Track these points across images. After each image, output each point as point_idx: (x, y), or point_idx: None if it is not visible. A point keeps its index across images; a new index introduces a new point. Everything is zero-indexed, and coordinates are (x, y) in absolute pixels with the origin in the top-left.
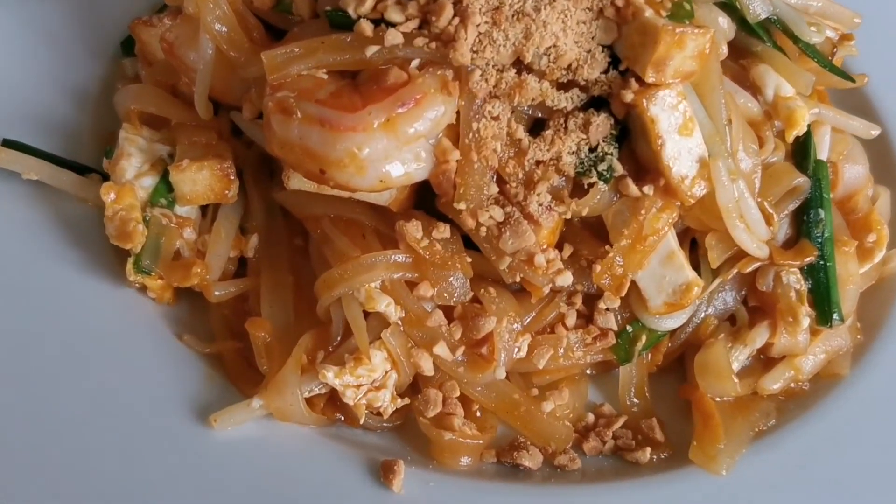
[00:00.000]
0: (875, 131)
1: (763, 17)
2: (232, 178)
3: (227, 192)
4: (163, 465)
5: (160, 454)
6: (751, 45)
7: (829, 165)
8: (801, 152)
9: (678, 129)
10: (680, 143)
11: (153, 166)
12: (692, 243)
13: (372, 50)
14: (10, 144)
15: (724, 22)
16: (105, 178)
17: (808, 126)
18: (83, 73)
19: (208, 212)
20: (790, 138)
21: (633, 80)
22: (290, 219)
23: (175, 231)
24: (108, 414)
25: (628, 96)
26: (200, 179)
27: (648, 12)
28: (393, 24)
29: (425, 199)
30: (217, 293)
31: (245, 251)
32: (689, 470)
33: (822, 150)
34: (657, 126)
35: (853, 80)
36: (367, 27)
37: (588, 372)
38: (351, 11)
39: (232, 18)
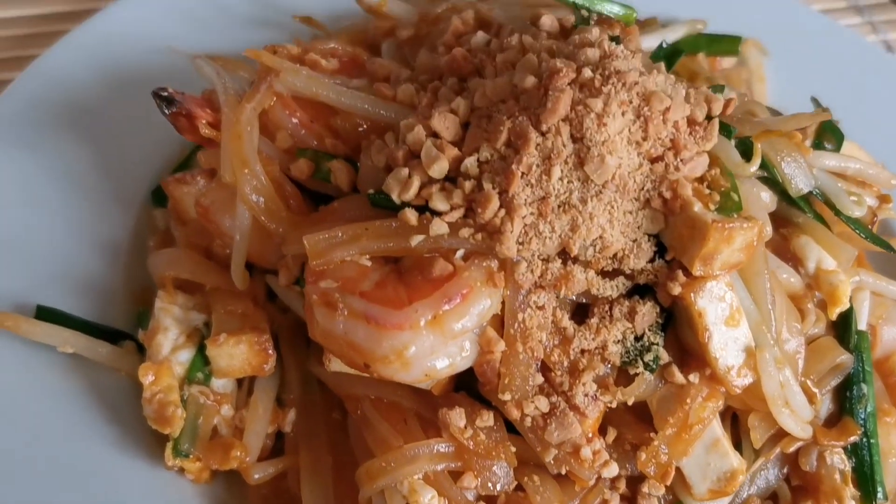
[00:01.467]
0: None
1: (805, 191)
2: (270, 352)
3: (264, 366)
4: None
5: None
6: (792, 215)
7: (868, 328)
8: (842, 325)
9: (725, 320)
10: (727, 334)
11: (189, 337)
12: (733, 417)
13: (417, 239)
14: (43, 313)
15: (767, 196)
16: (139, 346)
17: (852, 307)
18: (112, 225)
19: (244, 383)
20: (833, 315)
21: (679, 272)
22: (327, 391)
23: (213, 409)
24: None
25: (676, 289)
26: (237, 354)
27: (697, 206)
28: (437, 212)
29: (466, 380)
30: (256, 476)
31: (282, 426)
32: None
33: (862, 316)
34: (705, 319)
35: (894, 250)
36: (412, 216)
37: None
38: (394, 197)
39: (269, 188)
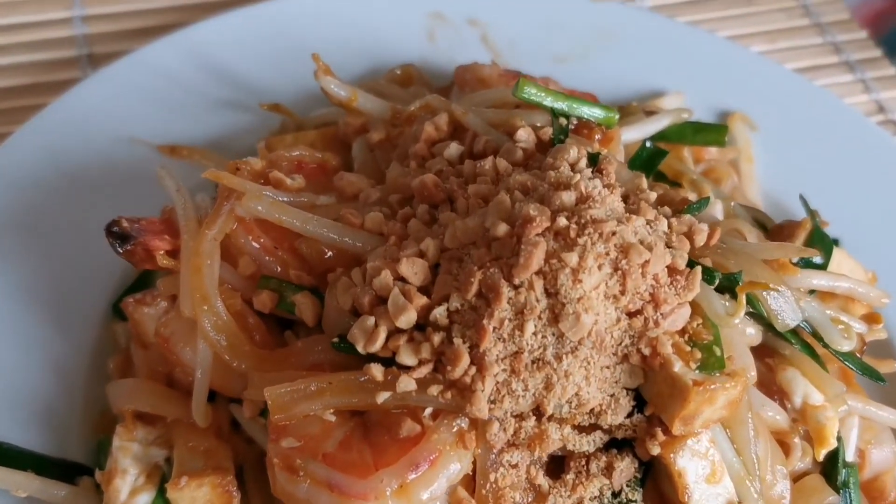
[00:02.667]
0: None
1: (792, 325)
2: (234, 494)
3: None
4: None
5: None
6: (779, 346)
7: (856, 451)
8: (830, 461)
9: (706, 477)
10: (707, 491)
11: (149, 477)
12: None
13: (384, 396)
14: None
15: (753, 331)
16: (97, 485)
17: (841, 443)
18: (70, 344)
19: None
20: (819, 456)
21: (659, 430)
22: None
23: None
24: None
25: (655, 449)
26: (200, 497)
27: (678, 366)
28: (405, 367)
29: None
30: None
31: None
32: None
33: (850, 445)
34: (685, 479)
35: (884, 381)
36: (377, 372)
37: None
38: (360, 348)
39: (231, 324)
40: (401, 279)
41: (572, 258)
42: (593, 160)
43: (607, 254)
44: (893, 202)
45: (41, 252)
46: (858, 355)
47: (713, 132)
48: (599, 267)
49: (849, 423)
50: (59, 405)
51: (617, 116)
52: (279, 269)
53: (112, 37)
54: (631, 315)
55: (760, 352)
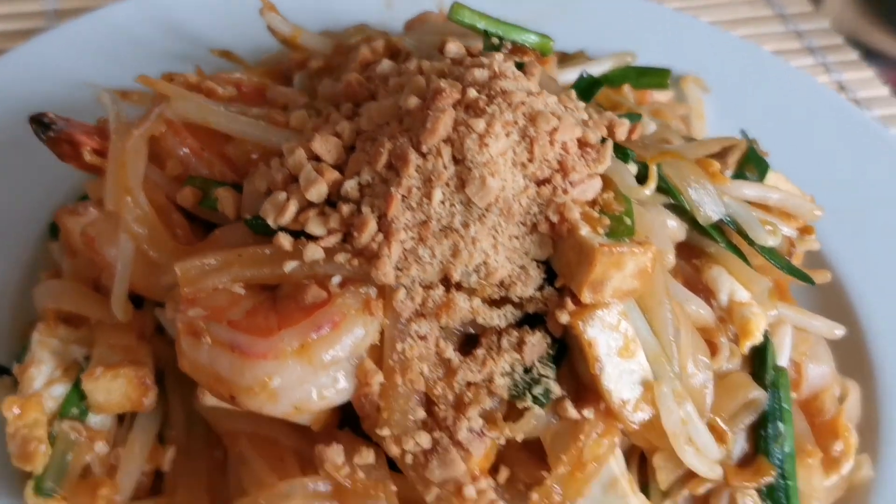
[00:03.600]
0: (839, 331)
1: (715, 219)
2: (149, 385)
3: (143, 400)
4: None
5: None
6: (704, 245)
7: (792, 365)
8: (758, 360)
9: (618, 351)
10: (621, 366)
11: (66, 371)
12: (641, 458)
13: (291, 266)
14: None
15: (674, 224)
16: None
17: (766, 334)
18: (7, 259)
19: (126, 420)
20: (744, 349)
21: (569, 300)
22: (211, 430)
23: (85, 446)
24: None
25: (564, 318)
26: (115, 388)
27: (584, 230)
28: (314, 238)
29: (352, 417)
30: None
31: (162, 464)
32: None
33: (783, 352)
34: (595, 349)
35: (812, 282)
36: (286, 241)
37: None
38: (270, 221)
39: (153, 218)
40: (315, 158)
41: (479, 124)
42: (519, 67)
43: (516, 122)
44: (842, 159)
45: None
46: (787, 258)
47: (656, 75)
48: (507, 134)
49: (781, 331)
50: None
51: (552, 44)
52: (206, 171)
53: None
54: (539, 183)
55: (687, 252)
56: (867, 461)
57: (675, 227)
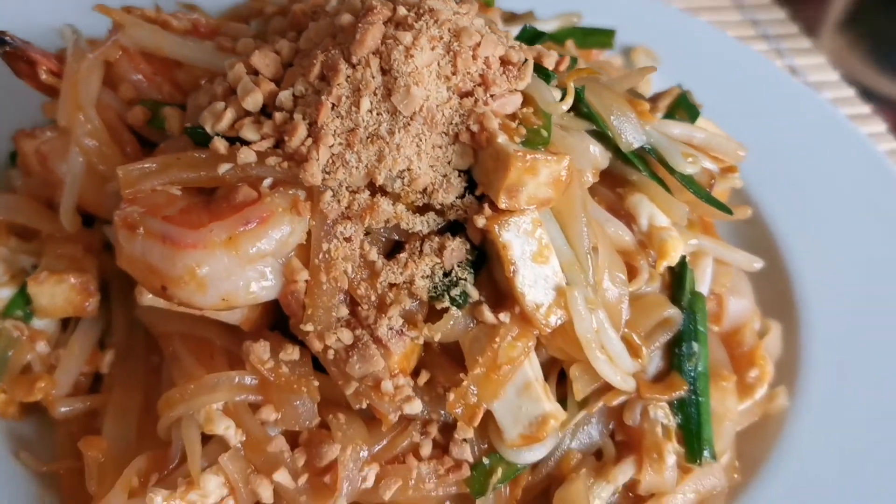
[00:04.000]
0: (758, 264)
1: (636, 146)
2: (91, 291)
3: (86, 305)
4: None
5: None
6: (627, 173)
7: (713, 298)
8: (676, 284)
9: (532, 256)
10: (535, 271)
11: (13, 277)
12: (560, 375)
13: (225, 167)
14: None
15: (597, 150)
16: None
17: (684, 258)
18: None
19: (70, 326)
20: (660, 268)
21: (487, 206)
22: (150, 337)
23: (26, 344)
24: None
25: (480, 221)
26: (59, 293)
27: (502, 138)
28: (248, 143)
29: (282, 321)
30: (62, 410)
31: (100, 367)
32: None
33: (704, 281)
34: (509, 252)
35: (731, 212)
36: (220, 145)
37: None
38: (208, 128)
39: (103, 133)
40: (254, 73)
41: (406, 37)
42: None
43: (441, 38)
44: (772, 117)
45: None
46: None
47: (602, 35)
48: (433, 48)
49: (703, 263)
50: None
51: (494, 2)
52: (157, 95)
53: None
54: (462, 95)
55: (611, 181)
56: (784, 392)
57: (598, 154)
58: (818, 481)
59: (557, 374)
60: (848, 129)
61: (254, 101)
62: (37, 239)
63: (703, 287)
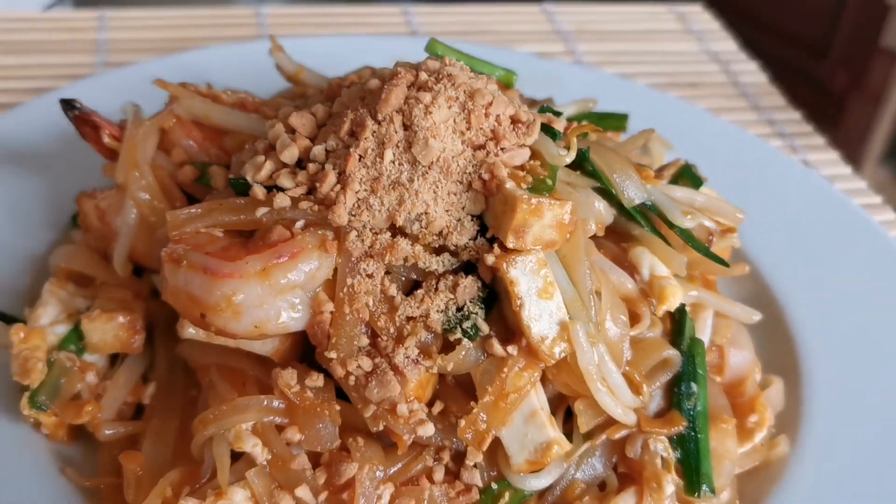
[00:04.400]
0: (756, 316)
1: (637, 202)
2: (137, 329)
3: (132, 342)
4: None
5: None
6: (630, 228)
7: (715, 349)
8: (676, 330)
9: (538, 292)
10: (540, 306)
11: (69, 317)
12: (568, 414)
13: (262, 211)
14: None
15: (601, 206)
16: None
17: (683, 306)
18: (40, 242)
19: (118, 361)
20: (660, 313)
21: (496, 246)
22: (189, 373)
23: (77, 374)
24: None
25: (490, 259)
26: (109, 330)
27: (510, 184)
28: (284, 191)
29: (308, 354)
30: (106, 432)
31: (142, 398)
32: None
33: (704, 332)
34: (516, 288)
35: (727, 265)
36: (259, 191)
37: None
38: (249, 178)
39: (155, 189)
40: (292, 132)
41: (426, 97)
42: None
43: (457, 98)
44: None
45: (30, 181)
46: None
47: (616, 119)
48: (449, 106)
49: (703, 315)
50: (18, 282)
51: (516, 77)
52: (206, 159)
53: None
54: (475, 148)
55: (615, 237)
56: (785, 440)
57: (602, 209)
58: None
59: (564, 411)
60: (843, 201)
61: (290, 154)
62: (92, 285)
63: (704, 337)
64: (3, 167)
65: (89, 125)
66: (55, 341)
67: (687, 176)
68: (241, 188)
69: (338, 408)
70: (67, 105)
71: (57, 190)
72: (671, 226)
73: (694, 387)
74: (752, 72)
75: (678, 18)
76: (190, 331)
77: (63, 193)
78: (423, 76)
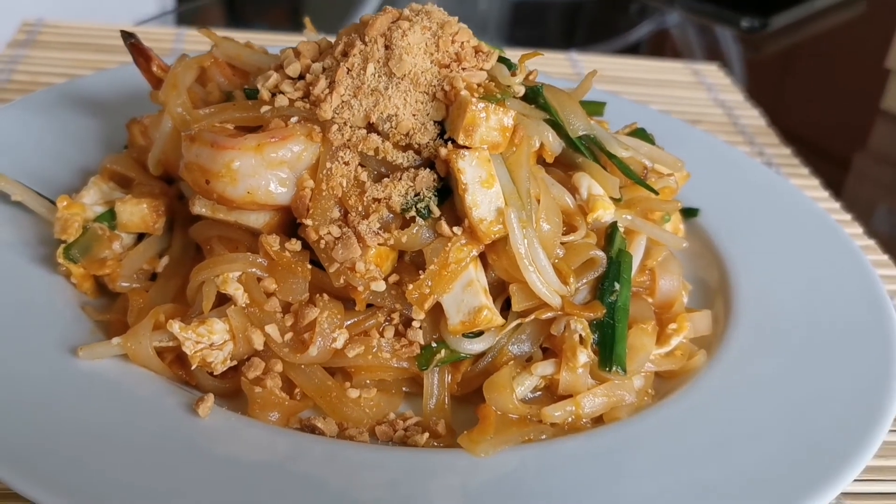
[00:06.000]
0: (685, 244)
1: (581, 133)
2: (160, 213)
3: (155, 224)
4: (31, 385)
5: (30, 375)
6: (575, 157)
7: (647, 273)
8: (607, 241)
9: (481, 181)
10: (482, 193)
11: (107, 203)
12: (507, 304)
13: (265, 108)
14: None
15: (550, 135)
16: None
17: (616, 223)
18: (94, 159)
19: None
20: (589, 220)
21: (450, 143)
22: (199, 254)
23: (106, 241)
24: None
25: (443, 152)
26: (136, 212)
27: (464, 92)
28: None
29: (293, 232)
30: (122, 284)
31: (157, 267)
32: (455, 450)
33: (637, 254)
34: (463, 176)
35: (656, 193)
36: (265, 94)
37: (405, 389)
38: (259, 86)
39: (188, 105)
40: (298, 55)
41: (405, 24)
42: None
43: (430, 28)
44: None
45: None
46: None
47: (594, 105)
48: (423, 32)
49: (636, 240)
50: (72, 187)
51: (504, 52)
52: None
53: None
54: (441, 66)
55: (563, 167)
56: (703, 354)
57: (550, 138)
58: (717, 412)
59: (504, 300)
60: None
61: (293, 69)
62: (129, 186)
63: (636, 258)
64: (83, 109)
65: (142, 55)
66: (92, 216)
67: (639, 135)
68: (252, 95)
69: (310, 267)
70: (127, 35)
71: (118, 129)
72: (610, 156)
73: (616, 285)
74: (753, 116)
75: (693, 73)
76: (199, 207)
77: (121, 132)
78: (406, 12)
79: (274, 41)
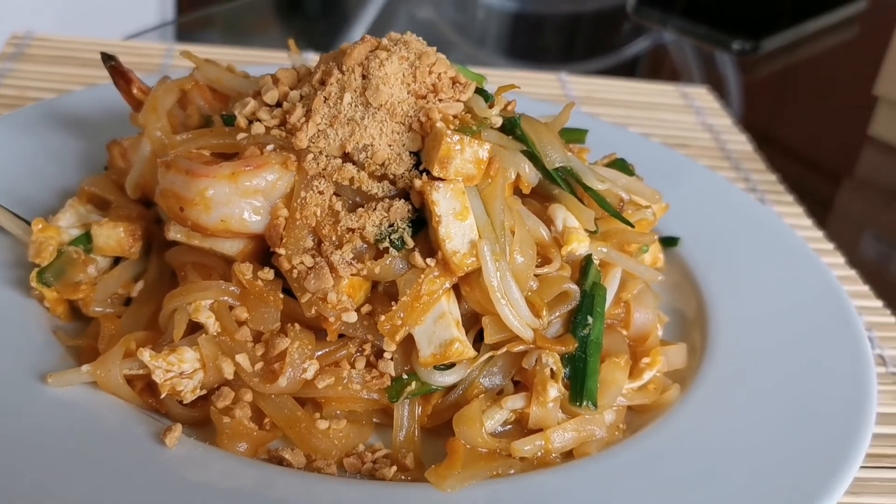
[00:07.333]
0: (660, 277)
1: (557, 165)
2: (136, 237)
3: (131, 248)
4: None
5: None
6: (551, 189)
7: (622, 305)
8: (581, 274)
9: (455, 214)
10: (455, 225)
11: (83, 226)
12: (480, 336)
13: (242, 136)
14: None
15: (527, 167)
16: None
17: (591, 256)
18: (75, 179)
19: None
20: (564, 252)
21: (425, 175)
22: (173, 280)
23: (80, 265)
24: None
25: (418, 183)
26: (113, 235)
27: (440, 124)
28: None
29: (267, 261)
30: (95, 309)
31: (131, 292)
32: (422, 485)
33: (612, 287)
34: (437, 207)
35: (632, 225)
36: (242, 121)
37: (375, 420)
38: (237, 113)
39: (168, 129)
40: (277, 83)
41: (383, 54)
42: None
43: (407, 58)
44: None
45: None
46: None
47: (576, 133)
48: (400, 63)
49: (612, 272)
50: (49, 208)
51: (486, 81)
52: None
53: None
54: (418, 97)
55: (539, 198)
56: (677, 388)
57: (527, 169)
58: (687, 447)
59: (477, 331)
60: (772, 217)
61: (271, 96)
62: (107, 209)
63: (611, 291)
64: (66, 127)
65: (123, 78)
66: (67, 239)
67: (617, 165)
68: (230, 122)
69: (282, 297)
70: (107, 57)
71: (99, 149)
72: (586, 189)
73: (590, 319)
74: (740, 141)
75: (682, 96)
76: (174, 233)
77: (103, 152)
78: (385, 42)
79: (267, 59)
